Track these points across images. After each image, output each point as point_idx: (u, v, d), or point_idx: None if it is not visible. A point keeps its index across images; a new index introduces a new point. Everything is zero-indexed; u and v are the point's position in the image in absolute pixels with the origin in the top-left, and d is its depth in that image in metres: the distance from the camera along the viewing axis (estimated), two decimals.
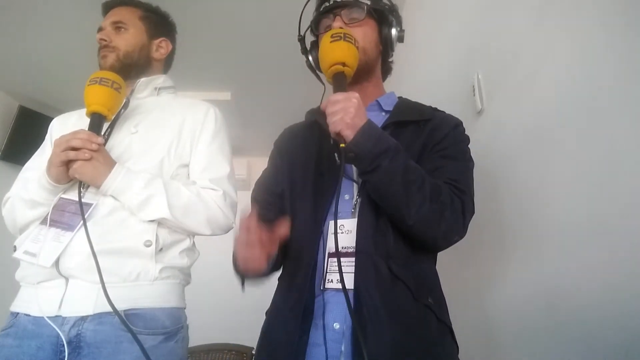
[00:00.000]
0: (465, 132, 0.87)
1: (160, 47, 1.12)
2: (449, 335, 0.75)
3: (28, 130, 2.90)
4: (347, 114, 0.70)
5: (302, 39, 0.96)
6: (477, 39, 1.19)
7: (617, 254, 0.63)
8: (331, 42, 0.78)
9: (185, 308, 0.97)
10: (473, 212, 0.78)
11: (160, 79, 1.11)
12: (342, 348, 0.68)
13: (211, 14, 2.19)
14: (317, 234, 0.77)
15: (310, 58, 0.96)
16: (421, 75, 1.76)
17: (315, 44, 0.95)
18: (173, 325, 0.89)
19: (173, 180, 0.96)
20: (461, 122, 0.88)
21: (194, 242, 1.01)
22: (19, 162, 2.75)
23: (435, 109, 0.91)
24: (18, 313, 0.85)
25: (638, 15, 0.61)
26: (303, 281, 0.74)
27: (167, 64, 1.17)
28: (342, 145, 0.72)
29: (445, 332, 0.74)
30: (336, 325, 0.70)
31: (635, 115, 0.61)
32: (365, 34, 0.87)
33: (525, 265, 0.90)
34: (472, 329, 1.15)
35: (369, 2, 0.88)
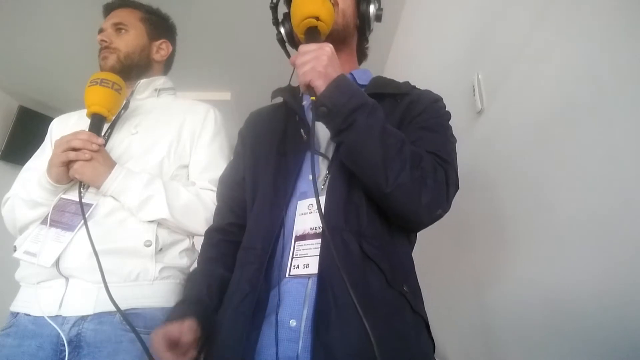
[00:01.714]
0: (447, 110, 0.80)
1: (160, 49, 1.12)
2: (425, 329, 0.66)
3: (28, 130, 2.91)
4: (319, 62, 0.63)
5: (274, 7, 0.88)
6: (477, 39, 1.19)
7: (617, 254, 0.63)
8: None
9: None
10: (457, 187, 0.71)
11: (160, 81, 1.11)
12: (299, 349, 0.59)
13: (211, 15, 2.19)
14: (276, 218, 0.69)
15: (282, 31, 0.89)
16: (421, 75, 1.76)
17: (288, 16, 0.86)
18: None
19: (172, 181, 0.97)
20: (441, 98, 0.81)
21: (193, 243, 1.01)
22: (19, 162, 2.76)
23: (414, 86, 0.84)
24: (18, 313, 0.85)
25: (638, 15, 0.62)
26: (256, 273, 0.65)
27: (167, 65, 1.18)
28: (312, 98, 0.64)
29: (420, 326, 0.65)
30: (292, 322, 0.61)
31: (635, 116, 0.61)
32: None
33: (525, 265, 0.90)
34: (469, 327, 1.15)
35: None
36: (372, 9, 0.85)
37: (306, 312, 0.61)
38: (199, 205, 0.95)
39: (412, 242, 0.77)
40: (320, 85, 0.63)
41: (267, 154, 0.78)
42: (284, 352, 0.59)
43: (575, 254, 0.73)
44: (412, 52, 1.90)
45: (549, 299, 0.80)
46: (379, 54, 2.35)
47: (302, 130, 0.76)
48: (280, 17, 0.91)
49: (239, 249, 0.76)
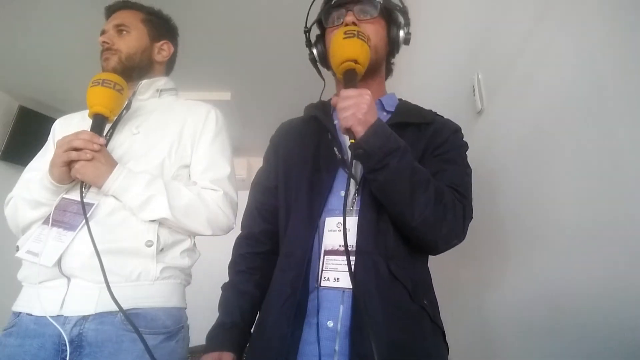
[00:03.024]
0: (464, 139, 0.88)
1: (162, 50, 1.13)
2: (441, 336, 0.76)
3: (28, 130, 2.90)
4: (359, 109, 0.69)
5: (308, 31, 0.94)
6: (477, 39, 1.20)
7: (617, 256, 0.63)
8: (344, 38, 0.76)
9: (186, 308, 0.97)
10: (472, 218, 0.79)
11: (161, 81, 1.11)
12: (336, 347, 0.68)
13: (211, 15, 2.19)
14: (311, 230, 0.76)
15: (314, 51, 0.94)
16: (421, 76, 1.76)
17: (321, 38, 0.94)
18: (174, 325, 0.90)
19: (174, 181, 0.97)
20: (460, 128, 0.89)
21: (194, 243, 1.02)
22: (19, 162, 2.76)
23: (436, 113, 0.90)
24: (20, 313, 0.86)
25: (638, 15, 0.62)
26: (296, 278, 0.73)
27: (169, 66, 1.18)
28: (351, 141, 0.71)
29: (437, 334, 0.75)
30: (330, 324, 0.69)
31: (635, 116, 0.61)
32: (376, 31, 0.86)
33: (525, 267, 0.90)
34: (471, 331, 1.15)
35: (381, 1, 0.87)
36: (401, 34, 0.90)
37: (341, 315, 0.70)
38: (200, 205, 0.95)
39: (427, 258, 0.84)
40: (360, 131, 0.70)
41: (301, 168, 0.85)
42: (323, 349, 0.68)
43: (576, 255, 0.73)
44: (413, 53, 1.90)
45: (550, 302, 0.80)
46: None
47: (335, 149, 0.81)
48: (312, 38, 0.96)
49: (266, 259, 0.86)
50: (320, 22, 0.92)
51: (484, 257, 1.10)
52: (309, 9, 0.92)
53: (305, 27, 0.93)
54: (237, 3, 2.11)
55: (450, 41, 1.43)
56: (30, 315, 0.83)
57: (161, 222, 0.91)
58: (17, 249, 0.88)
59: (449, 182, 0.76)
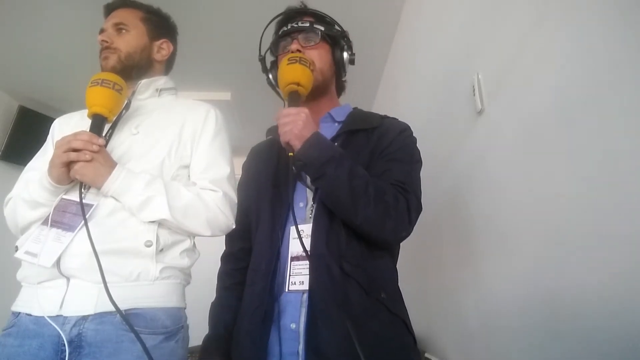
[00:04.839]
0: (413, 135, 0.94)
1: (161, 49, 1.12)
2: (404, 327, 0.79)
3: (28, 130, 2.91)
4: (295, 126, 0.79)
5: (262, 59, 1.05)
6: (477, 39, 1.20)
7: (616, 255, 0.63)
8: (288, 64, 0.86)
9: (185, 308, 0.97)
10: (419, 210, 0.84)
11: (161, 81, 1.11)
12: (300, 346, 0.74)
13: (211, 15, 2.19)
14: (274, 242, 0.84)
15: (270, 76, 1.05)
16: (421, 76, 1.76)
17: (275, 64, 1.04)
18: (173, 325, 0.90)
19: (173, 182, 0.97)
20: (408, 127, 0.95)
21: (194, 243, 1.01)
22: (19, 162, 2.76)
23: (385, 117, 0.98)
24: (19, 313, 0.85)
25: (637, 15, 0.62)
26: (263, 289, 0.81)
27: (168, 65, 1.17)
28: (290, 154, 0.80)
29: (398, 324, 0.79)
30: (292, 325, 0.76)
31: (634, 116, 0.61)
32: (320, 55, 0.96)
33: (525, 265, 0.90)
34: (471, 327, 1.15)
35: (322, 28, 0.97)
36: (345, 55, 1.00)
37: (302, 317, 0.77)
38: (200, 205, 0.95)
39: (394, 253, 0.89)
40: (297, 144, 0.79)
41: (265, 186, 0.94)
42: (288, 348, 0.75)
43: (575, 255, 0.73)
44: (412, 53, 1.90)
45: (549, 300, 0.80)
46: (379, 52, 2.36)
47: (292, 165, 0.87)
48: (268, 65, 1.07)
49: (245, 274, 0.93)
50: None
51: (483, 255, 1.10)
52: (260, 40, 1.03)
53: (260, 55, 1.04)
54: (237, 2, 2.11)
55: (450, 41, 1.43)
56: (30, 315, 0.83)
57: (161, 223, 0.91)
58: (16, 249, 0.88)
59: (394, 180, 0.82)
